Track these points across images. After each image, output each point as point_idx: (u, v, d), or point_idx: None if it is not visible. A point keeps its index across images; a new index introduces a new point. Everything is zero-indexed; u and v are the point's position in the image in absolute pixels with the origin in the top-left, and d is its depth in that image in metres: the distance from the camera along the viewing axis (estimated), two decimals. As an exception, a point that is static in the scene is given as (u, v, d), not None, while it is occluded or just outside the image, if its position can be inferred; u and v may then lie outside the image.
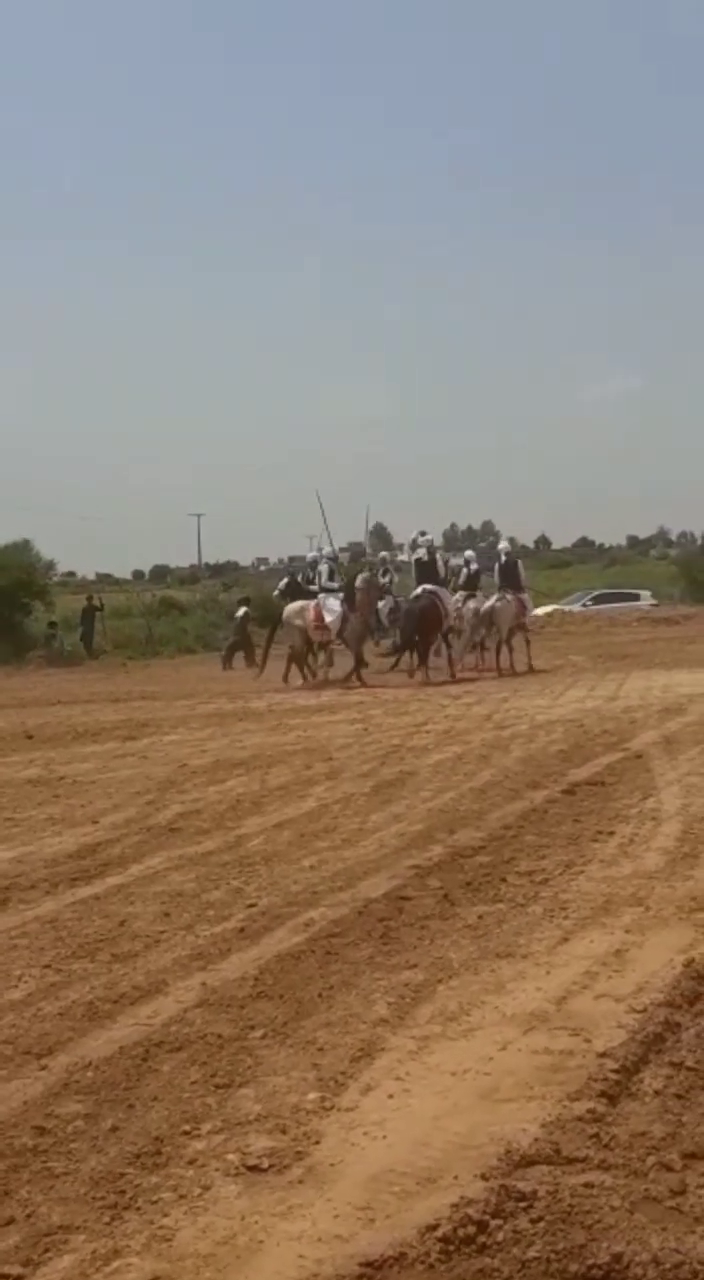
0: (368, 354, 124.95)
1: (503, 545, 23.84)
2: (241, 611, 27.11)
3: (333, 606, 20.39)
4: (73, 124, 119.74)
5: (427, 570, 20.60)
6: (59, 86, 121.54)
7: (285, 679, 20.37)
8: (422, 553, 20.88)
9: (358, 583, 20.76)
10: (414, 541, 21.30)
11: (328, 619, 20.31)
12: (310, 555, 22.76)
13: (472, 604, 21.59)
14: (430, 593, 20.19)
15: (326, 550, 22.04)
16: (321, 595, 20.74)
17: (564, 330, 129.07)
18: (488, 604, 21.39)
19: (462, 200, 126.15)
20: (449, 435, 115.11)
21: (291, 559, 23.31)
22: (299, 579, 21.96)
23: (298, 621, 20.52)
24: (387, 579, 25.72)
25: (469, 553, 24.11)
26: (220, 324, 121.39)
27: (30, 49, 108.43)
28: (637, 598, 41.56)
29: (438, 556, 20.88)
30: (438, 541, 27.87)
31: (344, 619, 20.25)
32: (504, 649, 21.10)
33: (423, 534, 21.08)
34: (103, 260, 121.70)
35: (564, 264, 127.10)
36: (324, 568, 21.19)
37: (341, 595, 20.53)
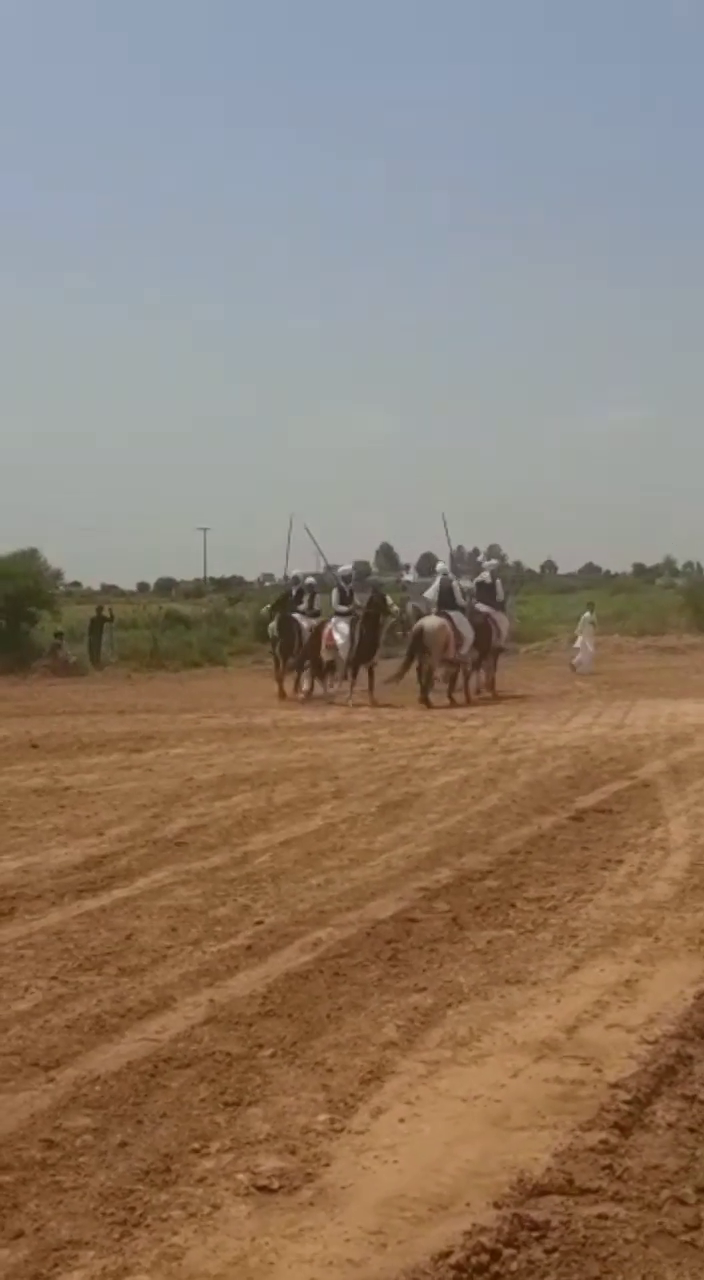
0: (373, 374, 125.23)
1: (490, 563, 23.70)
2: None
3: (343, 629, 20.47)
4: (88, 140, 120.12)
5: (486, 592, 21.35)
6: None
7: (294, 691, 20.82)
8: (485, 575, 21.87)
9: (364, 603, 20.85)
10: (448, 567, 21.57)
11: (338, 640, 20.36)
12: (294, 574, 23.07)
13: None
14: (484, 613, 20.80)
15: (342, 569, 22.24)
16: (333, 618, 20.90)
17: (575, 357, 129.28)
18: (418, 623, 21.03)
19: (466, 227, 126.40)
20: (457, 457, 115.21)
21: (296, 576, 23.31)
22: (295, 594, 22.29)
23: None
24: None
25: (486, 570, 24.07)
26: (231, 339, 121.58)
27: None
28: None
29: (454, 584, 20.76)
30: (443, 563, 27.87)
31: (353, 640, 20.30)
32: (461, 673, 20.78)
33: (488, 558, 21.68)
34: (113, 276, 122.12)
35: (574, 292, 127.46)
36: (336, 591, 21.40)
37: (349, 618, 20.57)
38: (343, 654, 20.47)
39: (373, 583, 23.29)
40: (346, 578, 21.88)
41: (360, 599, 21.10)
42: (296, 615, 21.90)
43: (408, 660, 20.11)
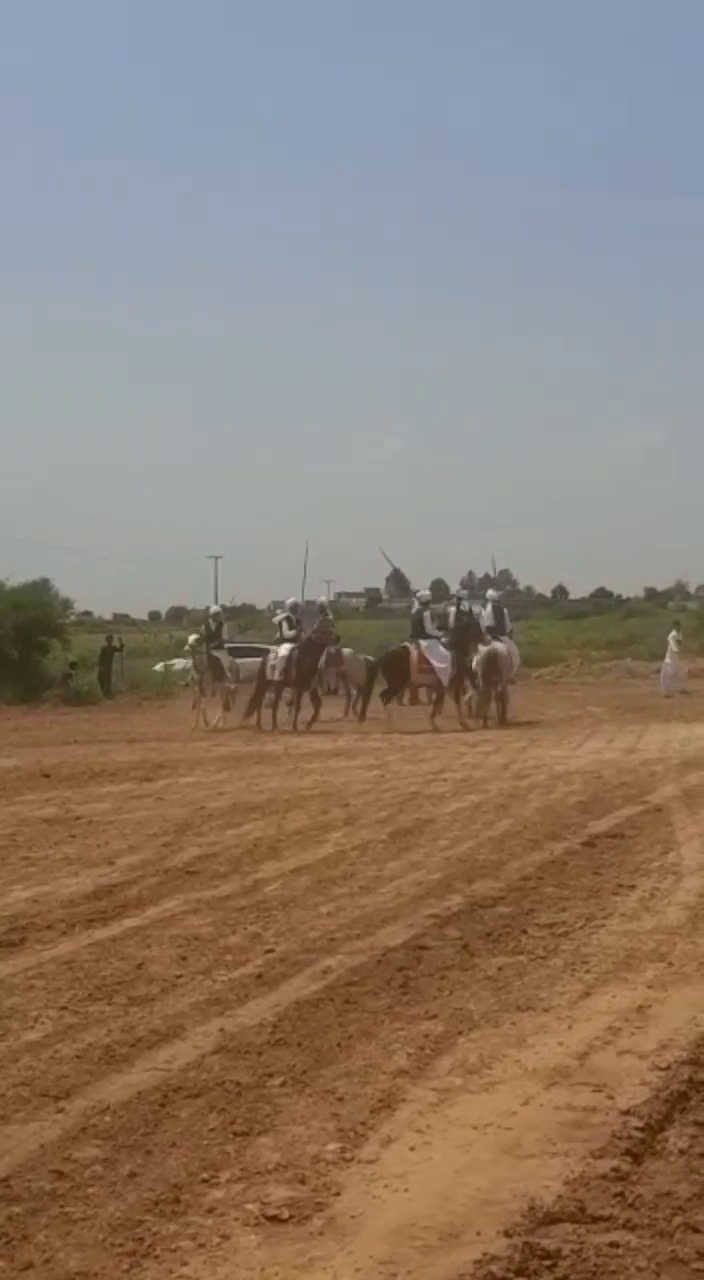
0: (386, 401, 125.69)
1: (490, 593, 23.85)
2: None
3: (282, 654, 21.10)
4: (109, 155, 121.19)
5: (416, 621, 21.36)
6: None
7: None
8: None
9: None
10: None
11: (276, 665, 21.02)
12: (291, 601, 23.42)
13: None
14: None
15: (289, 601, 23.07)
16: (276, 648, 21.52)
17: (588, 382, 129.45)
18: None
19: (486, 249, 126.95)
20: (468, 484, 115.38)
21: (307, 603, 23.38)
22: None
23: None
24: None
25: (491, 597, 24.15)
26: (242, 365, 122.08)
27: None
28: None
29: (425, 614, 21.05)
30: (455, 589, 28.12)
31: (297, 665, 20.89)
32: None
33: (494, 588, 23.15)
34: (121, 299, 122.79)
35: (586, 316, 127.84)
36: (284, 621, 22.13)
37: (293, 647, 21.15)
38: (285, 676, 21.06)
39: (319, 612, 23.31)
40: (293, 608, 22.47)
41: (309, 629, 21.74)
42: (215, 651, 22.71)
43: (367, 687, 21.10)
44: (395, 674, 20.67)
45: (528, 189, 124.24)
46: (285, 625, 21.85)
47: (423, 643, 20.36)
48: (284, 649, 21.08)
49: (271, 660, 21.14)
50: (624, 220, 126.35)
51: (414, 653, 20.37)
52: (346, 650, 22.69)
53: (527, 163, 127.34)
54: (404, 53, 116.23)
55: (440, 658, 20.25)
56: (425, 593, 21.91)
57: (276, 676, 20.94)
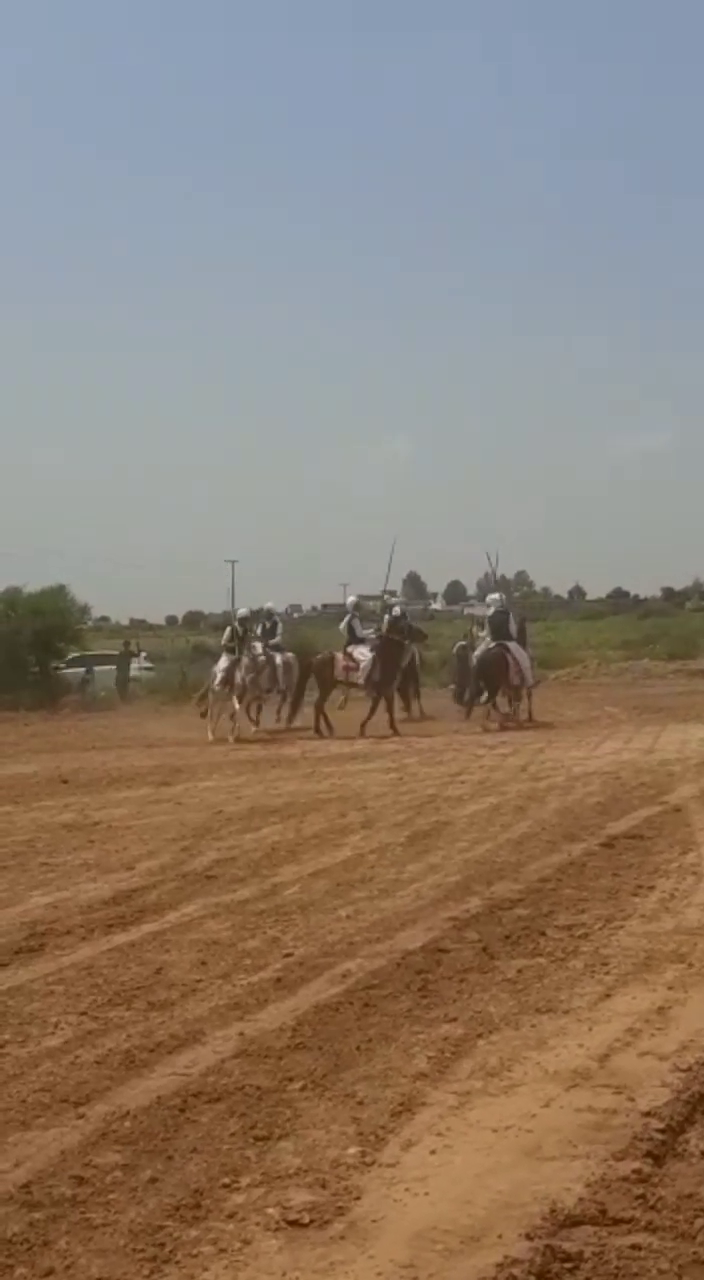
0: (399, 403, 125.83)
1: (493, 596, 23.91)
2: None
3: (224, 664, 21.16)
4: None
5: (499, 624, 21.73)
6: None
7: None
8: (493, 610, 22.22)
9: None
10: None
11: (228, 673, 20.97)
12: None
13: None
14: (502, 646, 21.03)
15: (240, 611, 23.45)
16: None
17: (603, 382, 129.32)
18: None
19: (499, 250, 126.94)
20: (482, 485, 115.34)
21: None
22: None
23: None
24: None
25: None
26: (256, 366, 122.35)
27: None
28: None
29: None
30: (472, 590, 28.27)
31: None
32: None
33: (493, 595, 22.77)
34: (131, 305, 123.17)
35: (599, 314, 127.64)
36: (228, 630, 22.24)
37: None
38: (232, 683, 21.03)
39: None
40: (243, 619, 22.60)
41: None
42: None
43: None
44: (324, 679, 21.11)
45: (531, 187, 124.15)
46: (357, 625, 21.77)
47: (351, 648, 21.02)
48: (364, 649, 20.99)
49: (359, 659, 20.92)
50: (628, 218, 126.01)
51: (340, 657, 20.97)
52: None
53: (528, 161, 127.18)
54: (404, 52, 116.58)
55: (362, 660, 20.73)
56: (354, 598, 22.57)
57: (359, 679, 20.88)
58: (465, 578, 30.45)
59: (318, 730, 20.16)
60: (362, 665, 20.66)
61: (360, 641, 21.18)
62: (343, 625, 22.07)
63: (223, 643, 21.98)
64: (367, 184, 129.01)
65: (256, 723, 21.38)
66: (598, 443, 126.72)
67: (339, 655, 21.03)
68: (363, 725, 19.94)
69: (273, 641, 22.94)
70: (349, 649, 21.03)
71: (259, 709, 21.76)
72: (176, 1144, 3.95)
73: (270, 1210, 3.49)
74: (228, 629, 22.36)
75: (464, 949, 6.17)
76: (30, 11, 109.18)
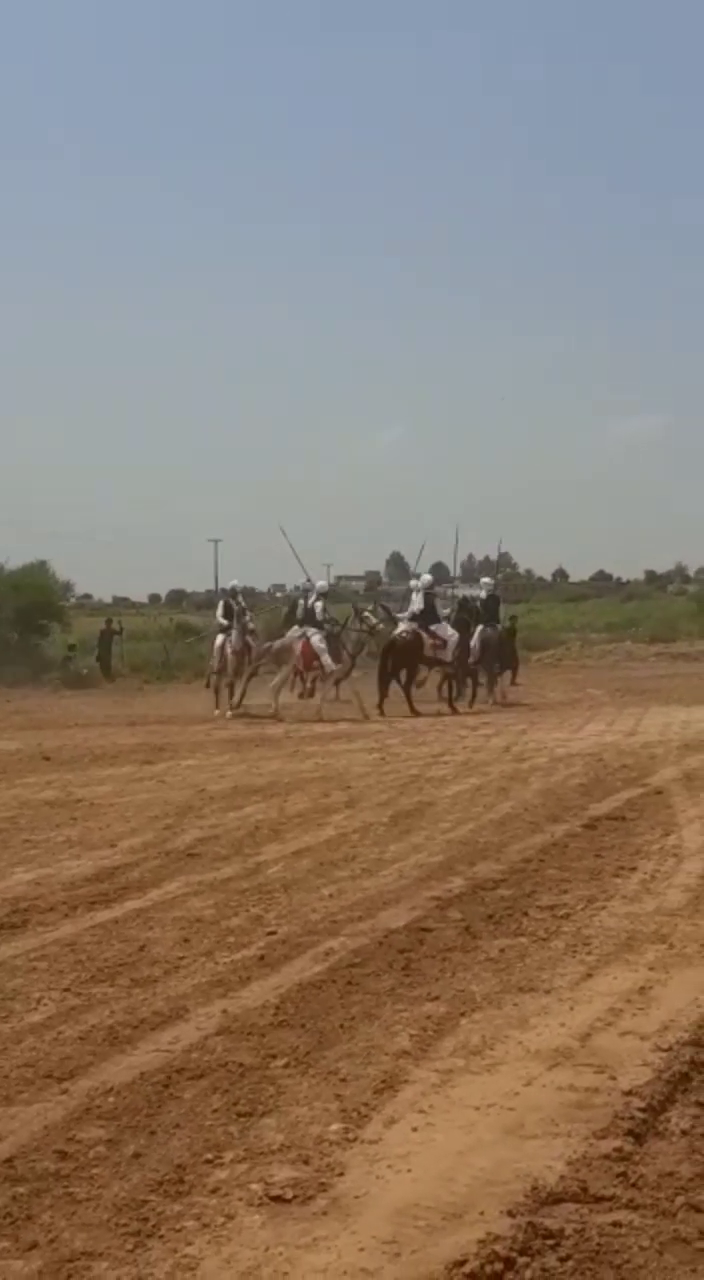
0: (384, 387, 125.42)
1: (485, 580, 23.95)
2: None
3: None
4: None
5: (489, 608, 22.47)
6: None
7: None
8: (482, 592, 23.11)
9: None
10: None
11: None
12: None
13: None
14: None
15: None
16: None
17: (585, 366, 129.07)
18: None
19: (492, 234, 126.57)
20: (468, 467, 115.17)
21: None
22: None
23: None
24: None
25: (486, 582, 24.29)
26: (237, 350, 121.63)
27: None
28: None
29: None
30: (456, 571, 28.46)
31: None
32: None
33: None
34: (120, 289, 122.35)
35: (585, 299, 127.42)
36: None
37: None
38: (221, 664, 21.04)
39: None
40: (232, 591, 22.46)
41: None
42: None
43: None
44: (410, 659, 20.64)
45: (526, 184, 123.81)
46: (319, 609, 21.03)
47: (310, 631, 20.49)
48: (448, 628, 20.85)
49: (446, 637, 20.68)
50: (622, 216, 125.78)
51: (425, 636, 20.51)
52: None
53: (526, 160, 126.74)
54: (404, 52, 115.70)
55: (318, 646, 20.41)
56: (323, 584, 22.10)
57: (446, 657, 20.67)
58: (452, 560, 30.32)
59: (414, 711, 19.54)
60: (449, 644, 20.55)
61: (317, 626, 20.53)
62: (302, 608, 21.16)
63: (217, 618, 21.75)
64: (366, 183, 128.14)
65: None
66: (582, 428, 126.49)
67: (423, 634, 20.46)
68: (452, 704, 20.39)
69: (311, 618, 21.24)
70: (432, 628, 20.50)
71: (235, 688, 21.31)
72: (160, 1120, 3.96)
73: (253, 1186, 3.50)
74: (220, 604, 22.15)
75: (447, 928, 6.19)
76: (30, 11, 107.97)
